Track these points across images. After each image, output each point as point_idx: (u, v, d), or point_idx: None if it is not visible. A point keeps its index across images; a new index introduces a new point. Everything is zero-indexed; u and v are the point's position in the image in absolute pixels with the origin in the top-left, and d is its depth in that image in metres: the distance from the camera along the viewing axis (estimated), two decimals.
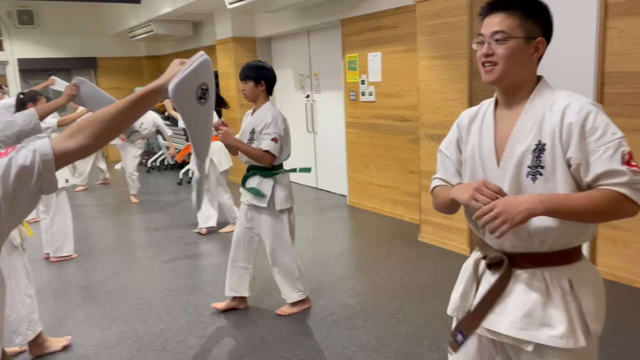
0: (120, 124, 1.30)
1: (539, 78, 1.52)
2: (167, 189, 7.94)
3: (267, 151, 3.21)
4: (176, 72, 1.32)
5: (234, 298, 3.58)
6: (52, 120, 4.57)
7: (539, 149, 1.41)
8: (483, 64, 1.48)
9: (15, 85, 10.31)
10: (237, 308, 3.61)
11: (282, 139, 3.26)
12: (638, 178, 1.34)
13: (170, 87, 1.31)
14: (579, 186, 1.41)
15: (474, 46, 1.54)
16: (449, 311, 1.65)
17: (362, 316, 3.43)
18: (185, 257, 4.91)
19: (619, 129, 1.39)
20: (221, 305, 3.60)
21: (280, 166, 3.40)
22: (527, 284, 1.46)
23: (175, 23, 8.92)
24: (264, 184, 3.34)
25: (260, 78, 3.32)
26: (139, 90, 1.32)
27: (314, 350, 3.05)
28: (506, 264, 1.48)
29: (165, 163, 9.68)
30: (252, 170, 3.40)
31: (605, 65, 3.63)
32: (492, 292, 1.49)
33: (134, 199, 7.23)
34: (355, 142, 6.29)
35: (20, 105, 4.48)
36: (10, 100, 4.67)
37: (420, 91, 4.70)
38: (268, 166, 3.29)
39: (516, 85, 1.49)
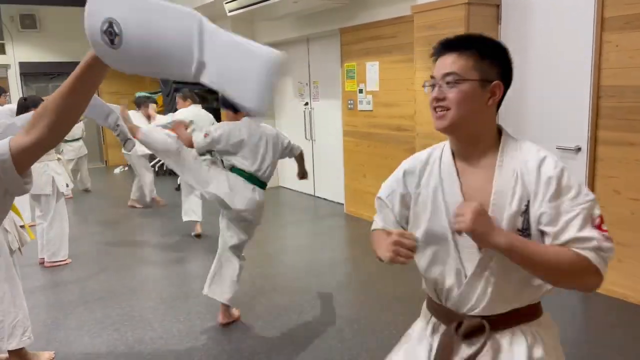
0: (70, 109, 1.21)
1: (499, 128, 1.39)
2: (163, 195, 7.91)
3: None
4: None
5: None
6: None
7: (528, 210, 1.29)
8: (435, 109, 1.34)
9: (16, 88, 10.35)
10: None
11: (215, 139, 3.35)
12: (607, 245, 1.23)
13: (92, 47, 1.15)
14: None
15: (426, 90, 1.41)
16: None
17: (354, 327, 3.42)
18: (180, 264, 4.90)
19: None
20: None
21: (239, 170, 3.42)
22: (509, 344, 1.34)
23: None
24: None
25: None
26: (76, 69, 1.23)
27: None
28: (488, 330, 1.33)
29: (164, 168, 9.66)
30: None
31: (601, 78, 3.62)
32: None
33: (135, 204, 7.24)
34: (353, 150, 6.28)
35: (24, 109, 4.48)
36: (13, 106, 4.67)
37: (417, 102, 4.70)
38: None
39: (473, 136, 1.35)
